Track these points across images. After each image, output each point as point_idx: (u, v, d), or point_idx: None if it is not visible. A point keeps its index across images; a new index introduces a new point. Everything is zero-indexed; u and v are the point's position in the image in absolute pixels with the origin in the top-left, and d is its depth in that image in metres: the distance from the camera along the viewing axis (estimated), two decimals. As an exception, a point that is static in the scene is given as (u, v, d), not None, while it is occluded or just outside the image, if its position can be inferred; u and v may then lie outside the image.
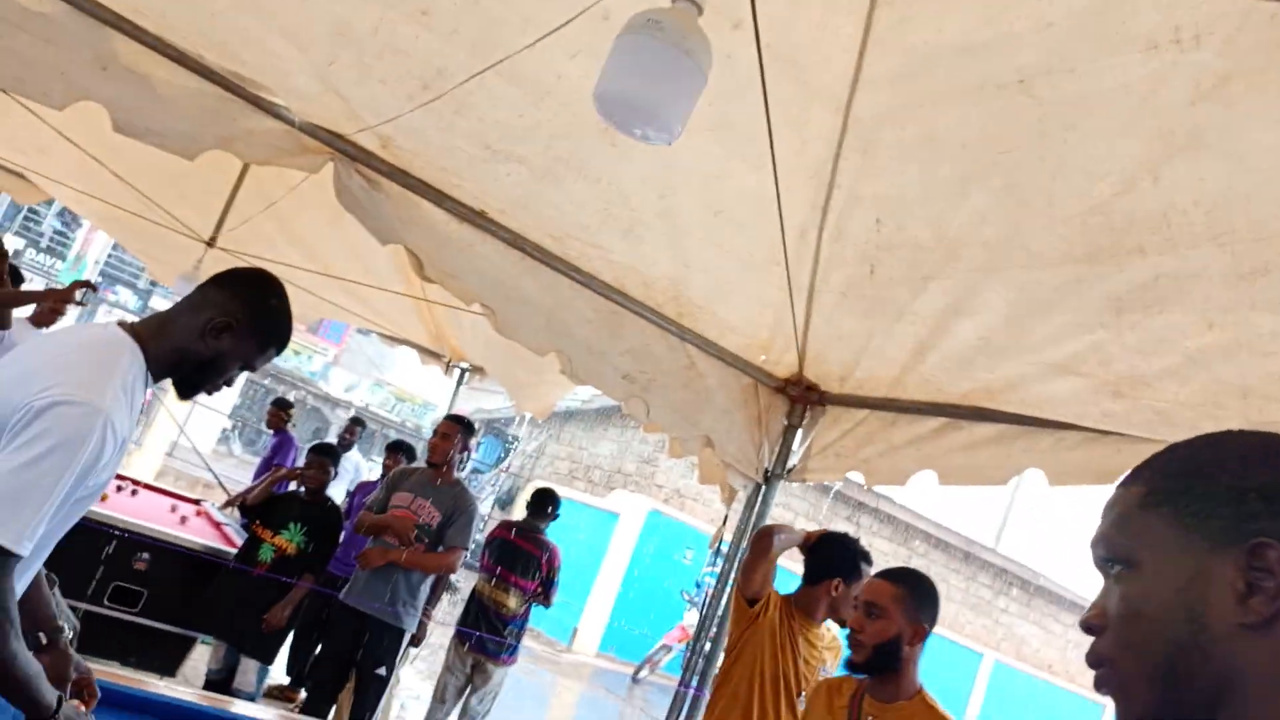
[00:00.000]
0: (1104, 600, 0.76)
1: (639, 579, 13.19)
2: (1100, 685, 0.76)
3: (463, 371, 5.78)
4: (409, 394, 28.23)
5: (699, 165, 2.11)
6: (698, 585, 11.53)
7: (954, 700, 13.14)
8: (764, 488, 2.81)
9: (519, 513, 7.39)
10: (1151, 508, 0.74)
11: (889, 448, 2.45)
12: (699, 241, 2.34)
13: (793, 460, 2.78)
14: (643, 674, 11.69)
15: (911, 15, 1.75)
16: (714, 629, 2.91)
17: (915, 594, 2.07)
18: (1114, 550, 0.75)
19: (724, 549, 2.97)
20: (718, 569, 2.97)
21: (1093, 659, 0.77)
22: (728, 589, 2.85)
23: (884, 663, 2.04)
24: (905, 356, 2.27)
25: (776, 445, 2.78)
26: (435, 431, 4.27)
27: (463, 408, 5.56)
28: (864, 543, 2.64)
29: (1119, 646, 0.73)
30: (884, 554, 15.26)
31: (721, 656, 2.59)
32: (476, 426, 5.32)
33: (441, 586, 4.71)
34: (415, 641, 4.45)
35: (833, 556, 2.55)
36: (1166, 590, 0.71)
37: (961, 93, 1.75)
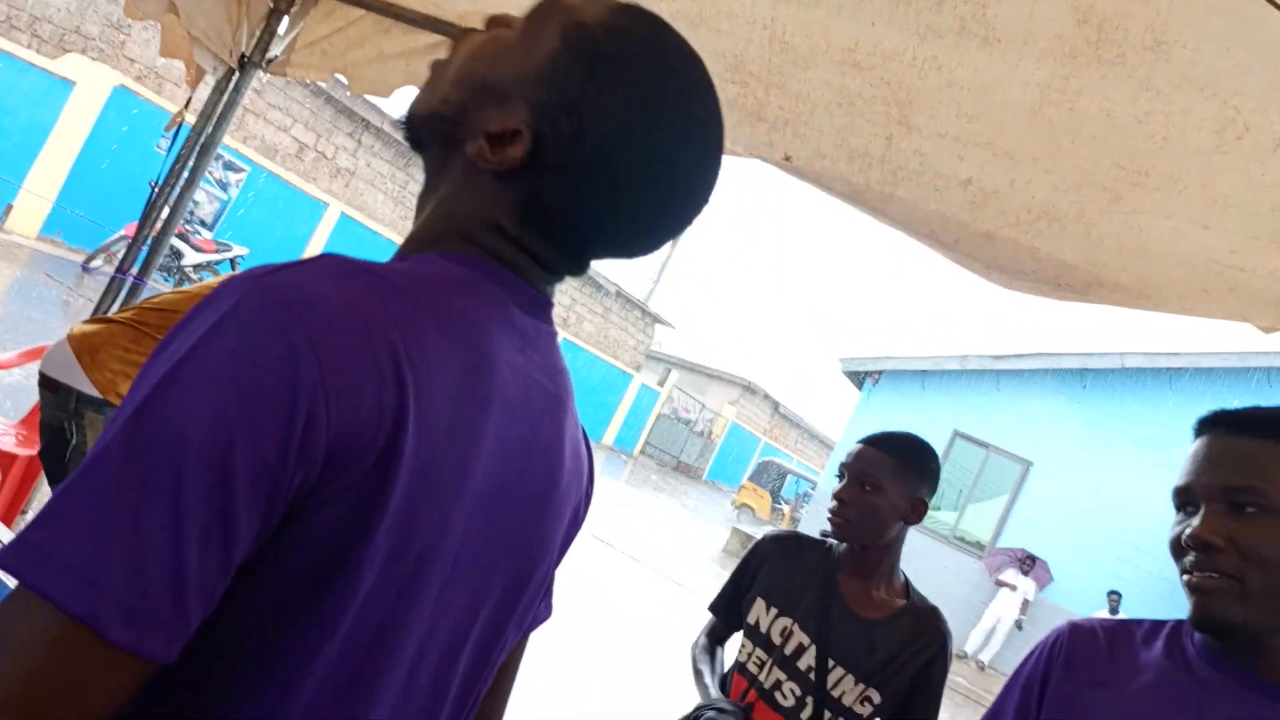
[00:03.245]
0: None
1: (99, 162, 11.57)
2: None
3: None
4: None
5: None
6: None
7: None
8: (237, 75, 2.52)
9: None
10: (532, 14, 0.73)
11: (379, 55, 2.32)
12: None
13: (275, 50, 2.51)
14: (96, 263, 10.68)
15: None
16: (162, 218, 2.68)
17: None
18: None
19: (186, 136, 2.67)
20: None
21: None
22: (184, 175, 2.61)
23: None
24: (410, -43, 2.10)
25: (259, 30, 2.47)
26: None
27: None
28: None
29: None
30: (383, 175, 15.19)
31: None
32: None
33: None
34: None
35: None
36: (484, 58, 0.72)
37: None
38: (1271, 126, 1.43)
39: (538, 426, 0.72)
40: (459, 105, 0.71)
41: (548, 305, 0.75)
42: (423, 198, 0.75)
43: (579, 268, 0.75)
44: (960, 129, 1.67)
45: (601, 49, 0.68)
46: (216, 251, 12.04)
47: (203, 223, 12.91)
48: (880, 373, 13.62)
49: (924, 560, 11.72)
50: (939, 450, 12.81)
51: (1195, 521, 0.98)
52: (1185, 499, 1.02)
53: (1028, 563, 11.29)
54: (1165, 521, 1.04)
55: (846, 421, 14.04)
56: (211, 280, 2.83)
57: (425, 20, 2.27)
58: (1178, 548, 1.00)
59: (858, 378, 14.05)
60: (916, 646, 1.64)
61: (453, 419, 0.61)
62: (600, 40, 0.69)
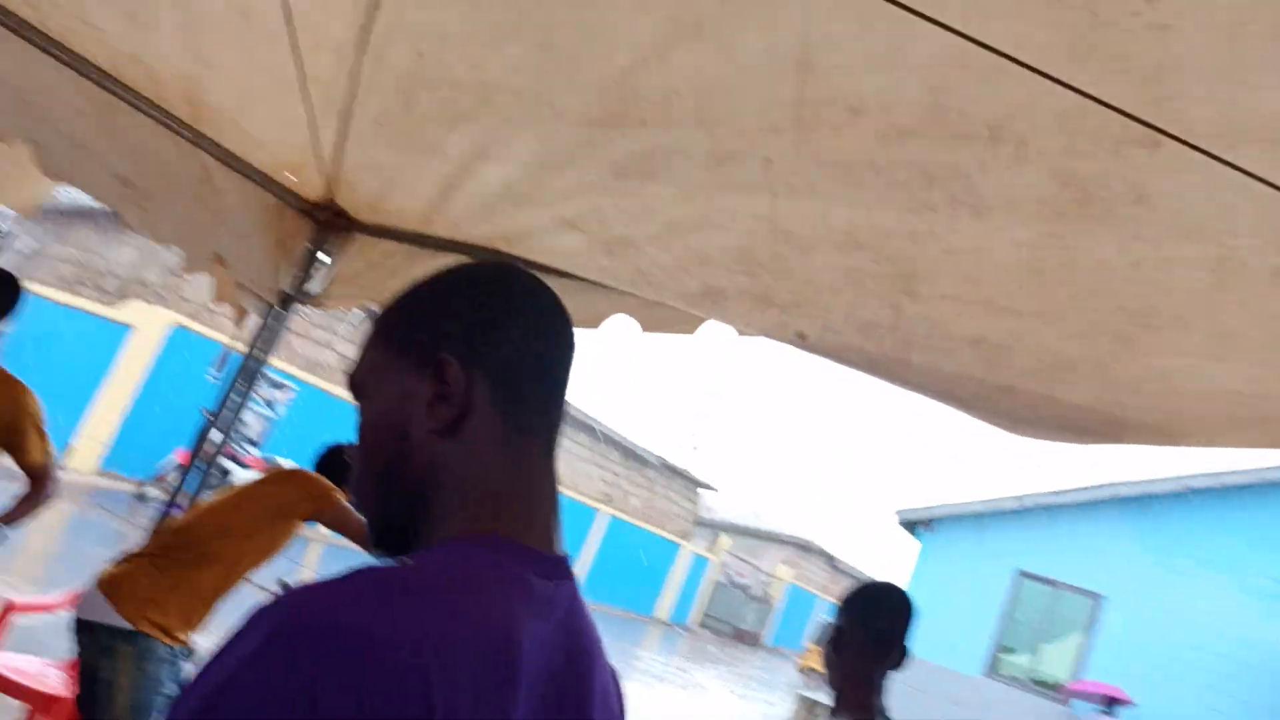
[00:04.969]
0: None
1: (158, 397, 12.10)
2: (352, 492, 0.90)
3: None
4: None
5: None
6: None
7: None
8: (279, 310, 2.71)
9: None
10: (379, 341, 0.86)
11: (409, 280, 2.48)
12: (222, 42, 2.08)
13: (313, 285, 2.70)
14: (150, 491, 10.92)
15: None
16: (214, 441, 2.82)
17: None
18: (352, 381, 0.87)
19: (235, 364, 2.83)
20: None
21: (322, 459, 0.93)
22: (233, 399, 2.77)
23: None
24: (433, 194, 2.29)
25: (296, 268, 2.67)
26: None
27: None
28: None
29: (358, 460, 0.85)
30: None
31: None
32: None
33: None
34: None
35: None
36: (382, 408, 0.83)
37: (504, -64, 1.75)
38: (1267, 257, 1.49)
39: (564, 689, 0.76)
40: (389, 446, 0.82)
41: (562, 561, 0.81)
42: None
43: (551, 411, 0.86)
44: (963, 291, 1.75)
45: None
46: (265, 469, 12.30)
47: (251, 441, 13.26)
48: (935, 520, 13.30)
49: (1002, 709, 11.04)
50: (1003, 591, 12.24)
51: None
52: None
53: (1107, 703, 10.58)
54: (1247, 643, 1.02)
55: (910, 573, 13.59)
56: (214, 498, 2.94)
57: (450, 244, 2.45)
58: None
59: (914, 527, 13.72)
60: None
61: (480, 713, 0.65)
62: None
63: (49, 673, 3.29)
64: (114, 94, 2.19)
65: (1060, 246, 1.61)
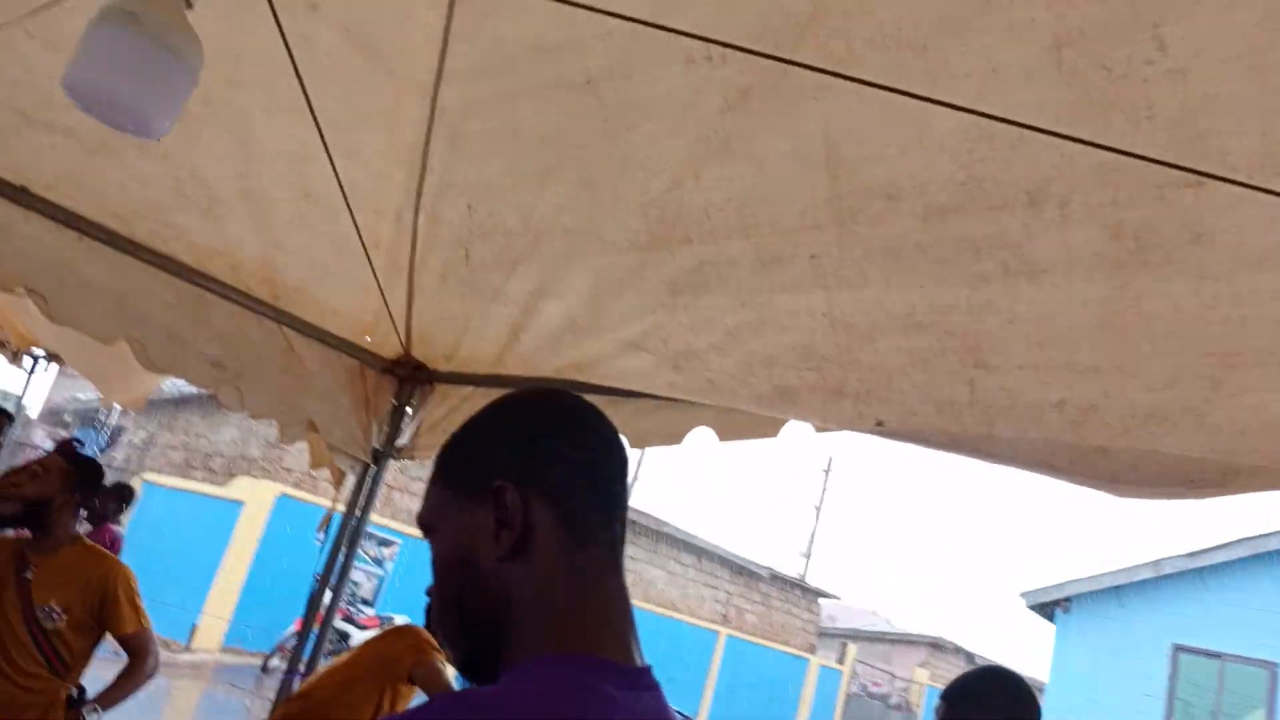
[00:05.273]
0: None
1: (270, 567, 12.43)
2: (432, 627, 0.93)
3: (35, 360, 5.04)
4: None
5: (282, 146, 2.04)
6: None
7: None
8: (373, 468, 2.80)
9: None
10: (440, 479, 0.89)
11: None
12: (289, 224, 2.26)
13: (402, 439, 2.80)
14: (274, 662, 11.09)
15: (490, 12, 1.83)
16: (324, 604, 2.87)
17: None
18: (421, 522, 0.89)
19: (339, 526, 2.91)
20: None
21: (429, 611, 0.95)
22: (337, 567, 2.84)
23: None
24: (503, 336, 2.38)
25: (385, 425, 2.78)
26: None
27: (53, 399, 4.85)
28: None
29: (435, 595, 0.86)
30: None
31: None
32: (70, 419, 4.68)
33: None
34: None
35: None
36: (450, 543, 0.85)
37: (538, 90, 1.87)
38: (1348, 274, 1.42)
39: None
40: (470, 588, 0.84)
41: (644, 672, 0.81)
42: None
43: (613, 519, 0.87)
44: (1036, 358, 1.71)
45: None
46: (380, 627, 12.40)
47: (365, 601, 13.44)
48: (1069, 599, 12.50)
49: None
50: (1160, 671, 11.22)
51: None
52: None
53: None
54: None
55: (1050, 656, 12.72)
56: (343, 657, 2.95)
57: (523, 381, 2.52)
58: None
59: (1048, 609, 12.91)
60: None
61: None
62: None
63: None
64: (200, 285, 2.37)
65: (1128, 297, 1.57)
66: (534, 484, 0.82)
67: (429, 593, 0.86)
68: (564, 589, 0.80)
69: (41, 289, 2.08)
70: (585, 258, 2.08)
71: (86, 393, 16.11)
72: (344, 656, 2.98)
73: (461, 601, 0.83)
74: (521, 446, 0.85)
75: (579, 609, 0.80)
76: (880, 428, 1.96)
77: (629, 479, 0.90)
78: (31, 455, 10.10)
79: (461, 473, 0.86)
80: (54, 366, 5.09)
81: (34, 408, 20.23)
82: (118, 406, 14.45)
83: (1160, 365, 1.64)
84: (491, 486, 0.82)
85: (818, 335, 1.88)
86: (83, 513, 2.91)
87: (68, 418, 20.93)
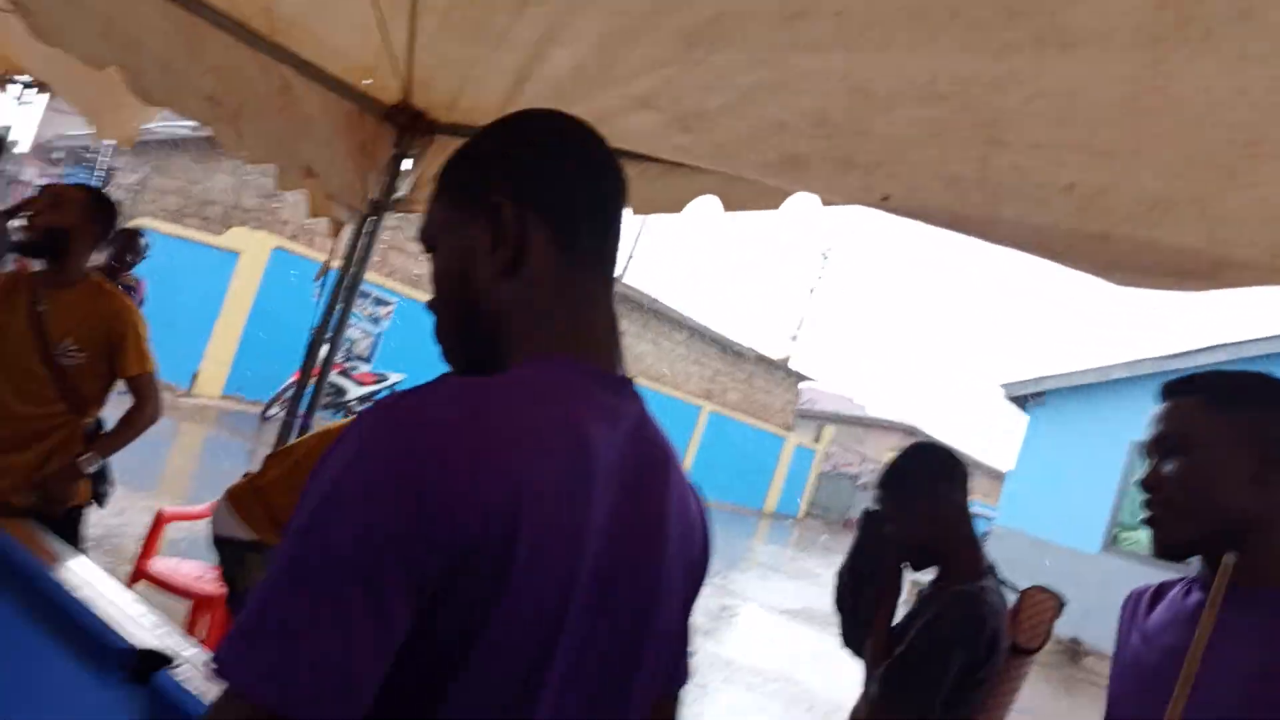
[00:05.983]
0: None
1: (267, 318, 12.64)
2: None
3: (24, 87, 4.83)
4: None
5: None
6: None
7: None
8: (371, 219, 2.78)
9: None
10: (440, 196, 0.89)
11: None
12: (287, -53, 2.11)
13: (401, 191, 2.76)
14: (273, 411, 11.54)
15: None
16: (321, 358, 2.94)
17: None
18: (422, 238, 0.91)
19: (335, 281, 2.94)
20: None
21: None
22: (335, 317, 2.88)
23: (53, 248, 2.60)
24: (507, 85, 2.29)
25: (384, 175, 2.73)
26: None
27: (42, 134, 4.72)
28: None
29: (434, 309, 0.89)
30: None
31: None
32: (60, 156, 4.57)
33: None
34: None
35: None
36: (448, 259, 0.88)
37: None
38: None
39: (638, 491, 0.81)
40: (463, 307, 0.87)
41: (626, 381, 0.85)
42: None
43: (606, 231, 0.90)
44: (1053, 137, 1.67)
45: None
46: (376, 383, 12.81)
47: (361, 358, 13.80)
48: (1044, 393, 12.95)
49: (1123, 585, 10.89)
50: (1119, 465, 11.84)
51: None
52: (1143, 454, 1.33)
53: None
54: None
55: (1018, 449, 13.37)
56: (340, 421, 3.05)
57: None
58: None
59: (1022, 401, 13.41)
60: None
61: (561, 505, 0.70)
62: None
63: (207, 575, 3.62)
64: (194, 12, 2.25)
65: (1159, 76, 1.51)
66: (530, 202, 0.83)
67: (430, 306, 0.89)
68: (556, 303, 0.83)
69: (28, 2, 1.97)
70: (597, 1, 1.97)
71: (76, 129, 15.65)
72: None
73: (459, 314, 0.86)
74: (520, 165, 0.85)
75: (567, 322, 0.83)
76: (885, 202, 1.94)
77: (623, 205, 0.91)
78: (24, 192, 9.97)
79: (461, 190, 0.87)
80: (42, 98, 4.91)
81: (23, 143, 19.73)
82: (109, 144, 14.09)
83: (1178, 152, 1.60)
84: (490, 203, 0.83)
85: (834, 100, 1.82)
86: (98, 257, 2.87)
87: (57, 155, 20.46)
